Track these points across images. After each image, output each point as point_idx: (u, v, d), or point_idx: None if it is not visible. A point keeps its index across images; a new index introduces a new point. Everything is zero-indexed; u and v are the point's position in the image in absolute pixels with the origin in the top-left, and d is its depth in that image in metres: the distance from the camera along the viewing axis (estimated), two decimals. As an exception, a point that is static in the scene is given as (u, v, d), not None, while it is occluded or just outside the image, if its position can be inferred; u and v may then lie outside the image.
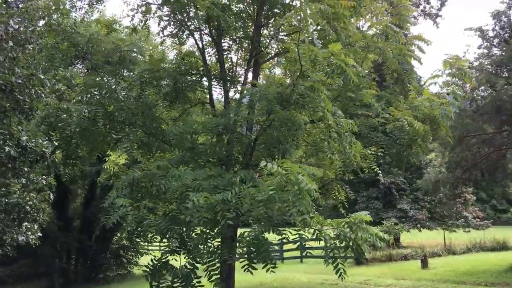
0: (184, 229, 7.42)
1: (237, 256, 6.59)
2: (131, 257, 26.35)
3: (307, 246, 8.33)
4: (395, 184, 32.74)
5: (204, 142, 9.57)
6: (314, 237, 6.79)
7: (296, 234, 7.02)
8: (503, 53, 13.51)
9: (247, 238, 6.78)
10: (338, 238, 6.54)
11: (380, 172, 10.68)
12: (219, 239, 7.43)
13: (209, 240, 7.04)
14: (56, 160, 13.70)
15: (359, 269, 18.25)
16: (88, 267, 24.55)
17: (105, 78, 9.10)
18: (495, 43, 14.64)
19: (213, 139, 9.30)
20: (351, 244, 6.33)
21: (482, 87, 13.76)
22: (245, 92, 7.99)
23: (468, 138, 14.30)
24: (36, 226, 14.56)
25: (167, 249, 7.36)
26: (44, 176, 14.57)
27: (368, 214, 6.51)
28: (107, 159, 12.30)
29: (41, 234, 14.76)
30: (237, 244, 7.07)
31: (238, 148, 9.26)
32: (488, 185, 16.61)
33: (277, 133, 8.12)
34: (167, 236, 7.33)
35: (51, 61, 9.00)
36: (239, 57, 11.59)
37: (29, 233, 13.84)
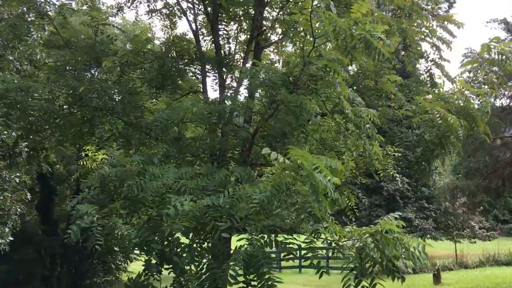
0: (166, 242, 5.94)
1: (230, 279, 5.09)
2: (120, 263, 24.85)
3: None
4: (399, 191, 31.29)
5: (194, 136, 8.07)
6: (330, 252, 5.35)
7: (306, 247, 5.54)
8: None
9: (241, 256, 5.28)
10: (361, 254, 5.06)
11: (398, 176, 9.21)
12: (210, 255, 5.94)
13: (197, 258, 5.55)
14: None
15: (364, 282, 16.67)
16: (73, 274, 23.06)
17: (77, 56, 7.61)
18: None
19: (205, 131, 7.81)
20: (380, 260, 4.86)
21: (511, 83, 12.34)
22: (245, 73, 6.50)
23: (490, 141, 12.82)
24: (7, 230, 13.06)
25: (146, 269, 5.85)
26: (18, 174, 13.08)
27: (399, 218, 5.04)
28: (87, 154, 10.73)
29: (12, 239, 13.31)
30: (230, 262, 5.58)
31: (234, 142, 7.79)
32: (510, 195, 15.13)
33: (282, 124, 6.66)
34: (145, 250, 5.83)
35: (13, 33, 7.49)
36: (237, 41, 10.15)
37: (-4, 237, 12.35)
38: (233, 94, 8.63)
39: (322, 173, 4.69)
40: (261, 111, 7.27)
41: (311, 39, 6.14)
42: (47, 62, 8.11)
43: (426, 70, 8.11)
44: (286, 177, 4.94)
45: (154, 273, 5.63)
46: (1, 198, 13.41)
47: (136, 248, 5.83)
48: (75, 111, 7.71)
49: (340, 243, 5.32)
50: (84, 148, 10.85)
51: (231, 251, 6.28)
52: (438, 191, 20.09)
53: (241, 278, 5.54)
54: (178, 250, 5.61)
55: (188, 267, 5.48)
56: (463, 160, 14.83)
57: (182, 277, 5.33)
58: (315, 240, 5.56)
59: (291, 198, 5.65)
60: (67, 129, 7.85)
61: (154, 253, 5.49)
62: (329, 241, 5.51)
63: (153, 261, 5.68)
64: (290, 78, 6.27)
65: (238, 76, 8.68)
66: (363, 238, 5.03)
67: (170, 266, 5.55)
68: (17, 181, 12.80)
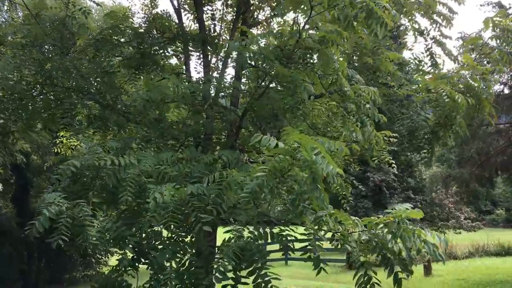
0: (144, 234, 5.29)
1: (218, 275, 4.47)
2: (100, 257, 24.09)
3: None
4: (385, 182, 30.93)
5: (177, 119, 7.39)
6: (333, 243, 4.76)
7: (306, 239, 4.95)
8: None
9: (232, 249, 4.68)
10: (369, 246, 4.49)
11: (394, 163, 8.66)
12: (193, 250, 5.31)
13: (178, 254, 4.92)
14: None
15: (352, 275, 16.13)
16: (52, 268, 22.27)
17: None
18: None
19: (188, 113, 7.14)
20: (389, 255, 4.30)
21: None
22: (232, 45, 5.84)
23: (484, 128, 12.40)
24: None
25: (119, 264, 5.20)
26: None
27: (412, 207, 4.48)
28: (62, 141, 9.95)
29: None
30: (218, 257, 4.95)
31: (220, 126, 7.16)
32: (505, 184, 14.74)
33: (274, 104, 6.04)
34: (120, 244, 5.18)
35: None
36: (223, 19, 9.49)
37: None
38: (218, 75, 7.98)
39: (325, 159, 4.11)
40: (250, 90, 6.64)
41: (302, 18, 5.55)
42: (13, 38, 7.36)
43: (426, 49, 7.55)
44: (281, 162, 4.34)
45: (129, 269, 5.00)
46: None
47: (110, 244, 5.17)
48: (44, 91, 6.99)
49: (346, 234, 4.74)
50: (58, 134, 10.12)
51: (218, 245, 5.68)
52: (430, 179, 19.66)
53: (230, 275, 4.98)
54: (157, 243, 4.97)
55: (168, 263, 4.86)
56: (456, 147, 14.40)
57: (161, 274, 4.70)
58: (316, 230, 4.99)
59: (286, 185, 5.06)
60: (36, 112, 7.13)
61: (130, 245, 4.86)
62: (332, 232, 4.92)
63: (129, 256, 5.04)
64: (283, 52, 5.66)
65: (224, 55, 8.03)
66: (375, 229, 4.45)
67: (148, 261, 4.92)
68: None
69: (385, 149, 7.98)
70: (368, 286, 4.19)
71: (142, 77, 8.46)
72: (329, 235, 5.02)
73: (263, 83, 5.97)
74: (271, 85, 5.87)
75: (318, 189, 4.41)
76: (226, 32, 9.74)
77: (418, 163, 33.15)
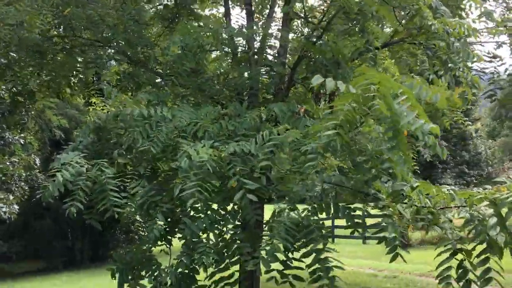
0: (177, 202, 4.35)
1: (266, 257, 3.46)
2: (143, 233, 23.83)
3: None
4: (437, 156, 29.17)
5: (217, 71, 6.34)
6: (421, 221, 3.64)
7: (380, 214, 3.85)
8: None
9: (284, 225, 3.65)
10: (469, 227, 3.36)
11: (469, 123, 7.32)
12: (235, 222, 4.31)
13: (218, 226, 3.94)
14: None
15: (414, 253, 14.47)
16: (95, 245, 22.15)
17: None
18: None
19: (230, 64, 6.08)
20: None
21: None
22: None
23: None
24: (11, 197, 11.78)
25: (148, 236, 4.31)
26: (22, 135, 11.69)
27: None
28: (94, 108, 9.13)
29: (17, 207, 12.05)
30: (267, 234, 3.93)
31: (267, 81, 6.08)
32: None
33: (336, 47, 4.86)
34: (149, 213, 4.29)
35: None
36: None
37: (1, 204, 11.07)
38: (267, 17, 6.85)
39: (413, 111, 3.00)
40: (306, 35, 5.49)
41: None
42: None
43: None
44: (351, 113, 3.21)
45: (160, 243, 4.12)
46: (8, 163, 12.14)
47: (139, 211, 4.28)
48: (66, 44, 6.09)
49: (436, 212, 3.61)
50: (91, 101, 9.35)
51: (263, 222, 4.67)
52: (501, 147, 17.96)
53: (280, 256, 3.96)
54: (192, 212, 4.00)
55: (203, 235, 3.90)
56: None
57: (195, 248, 3.74)
58: (393, 205, 3.88)
59: (357, 144, 3.98)
60: (59, 67, 6.26)
61: (160, 213, 3.94)
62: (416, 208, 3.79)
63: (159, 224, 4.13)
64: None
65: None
66: (478, 205, 3.30)
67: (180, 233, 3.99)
68: (22, 143, 11.41)
69: (459, 108, 6.70)
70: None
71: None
72: (408, 210, 3.89)
73: (323, 21, 4.81)
74: (333, 21, 4.70)
75: (400, 148, 3.29)
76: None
77: (472, 136, 31.14)
